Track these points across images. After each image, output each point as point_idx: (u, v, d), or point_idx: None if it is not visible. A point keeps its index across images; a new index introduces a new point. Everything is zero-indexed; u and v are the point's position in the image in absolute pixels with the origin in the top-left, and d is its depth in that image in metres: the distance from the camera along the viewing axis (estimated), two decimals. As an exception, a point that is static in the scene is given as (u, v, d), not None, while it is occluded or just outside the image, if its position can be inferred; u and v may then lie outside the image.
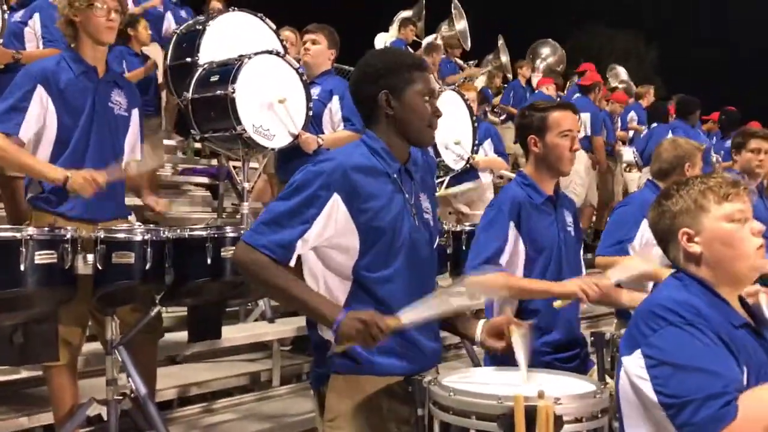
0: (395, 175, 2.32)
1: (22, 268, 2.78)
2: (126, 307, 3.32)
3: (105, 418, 3.33)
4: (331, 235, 2.21)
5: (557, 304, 2.89)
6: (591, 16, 33.61)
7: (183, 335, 3.88)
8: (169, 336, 4.40)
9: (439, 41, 9.89)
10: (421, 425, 2.17)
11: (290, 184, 2.25)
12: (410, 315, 2.15)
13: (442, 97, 6.10)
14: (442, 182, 6.32)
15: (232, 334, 4.48)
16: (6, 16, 4.89)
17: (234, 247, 2.51)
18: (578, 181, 7.83)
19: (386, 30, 11.11)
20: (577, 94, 8.80)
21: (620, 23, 34.14)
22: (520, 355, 2.25)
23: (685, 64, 31.00)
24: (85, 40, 3.43)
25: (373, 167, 2.28)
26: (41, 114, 3.31)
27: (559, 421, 1.93)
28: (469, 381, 2.20)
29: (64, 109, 3.34)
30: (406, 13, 11.04)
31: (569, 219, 3.23)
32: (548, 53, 12.44)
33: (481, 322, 2.44)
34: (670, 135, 8.32)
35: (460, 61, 11.32)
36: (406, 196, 2.33)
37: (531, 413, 1.91)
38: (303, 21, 5.69)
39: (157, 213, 4.17)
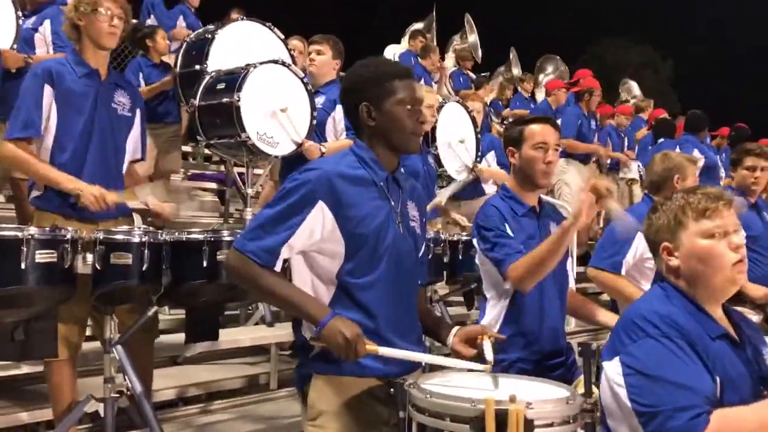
0: (382, 184, 2.38)
1: (23, 266, 2.86)
2: (124, 307, 3.40)
3: (102, 415, 3.42)
4: (317, 240, 2.28)
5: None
6: (606, 29, 33.59)
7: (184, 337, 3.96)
8: (170, 337, 4.51)
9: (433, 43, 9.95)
10: (402, 427, 2.22)
11: (278, 192, 2.34)
12: (389, 351, 2.25)
13: (446, 108, 6.19)
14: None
15: (231, 336, 4.57)
16: (20, 22, 5.03)
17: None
18: (567, 192, 7.87)
19: (398, 41, 11.23)
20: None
21: (636, 37, 34.14)
22: (489, 355, 2.33)
23: (701, 78, 30.96)
24: (87, 43, 3.54)
25: (359, 176, 2.35)
26: (48, 110, 3.43)
27: (529, 425, 1.98)
28: (447, 384, 2.25)
29: (66, 109, 3.44)
30: (418, 25, 11.15)
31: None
32: (551, 70, 12.53)
33: (455, 329, 2.51)
34: (677, 150, 8.41)
35: (472, 74, 11.40)
36: (392, 204, 2.39)
37: (502, 416, 1.96)
38: (314, 31, 5.78)
39: (164, 219, 4.25)
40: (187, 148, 8.53)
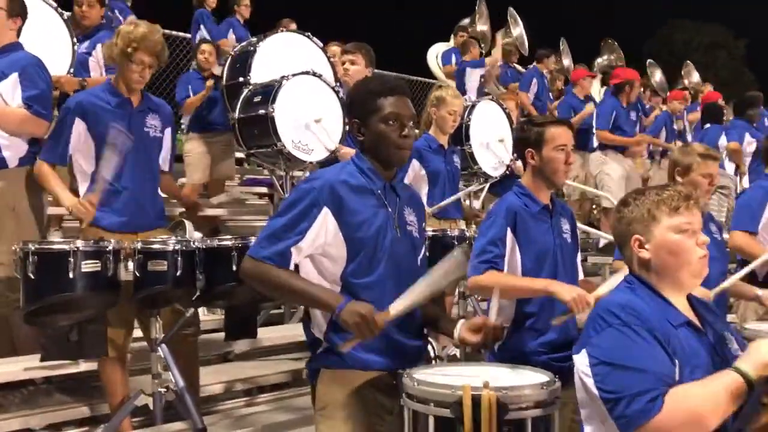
0: (379, 192, 2.59)
1: (71, 275, 3.23)
2: (167, 309, 3.73)
3: (151, 408, 3.76)
4: (322, 244, 2.50)
5: (555, 321, 3.01)
6: (675, 10, 32.81)
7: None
8: (220, 336, 4.84)
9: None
10: (402, 414, 2.43)
11: (285, 201, 2.58)
12: (398, 306, 2.40)
13: (480, 106, 6.35)
14: (481, 189, 6.57)
15: (272, 333, 4.88)
16: (76, 47, 5.44)
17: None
18: (610, 183, 7.89)
19: (448, 39, 11.33)
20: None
21: (706, 16, 33.23)
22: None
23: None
24: (120, 77, 3.93)
25: (359, 184, 2.56)
26: (79, 140, 3.86)
27: (504, 408, 2.17)
28: (437, 374, 2.43)
29: (100, 137, 3.81)
30: (464, 21, 11.21)
31: (566, 226, 3.37)
32: (604, 57, 12.40)
33: (461, 321, 2.70)
34: (723, 136, 8.31)
35: (519, 67, 11.42)
36: (389, 210, 2.60)
37: (478, 401, 2.16)
38: (361, 35, 6.00)
39: (213, 219, 4.56)
40: (241, 154, 8.90)
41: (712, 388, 1.96)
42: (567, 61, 12.75)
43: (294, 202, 2.50)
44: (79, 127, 3.83)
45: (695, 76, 14.26)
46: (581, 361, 2.14)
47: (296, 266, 2.54)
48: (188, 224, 4.51)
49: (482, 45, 10.74)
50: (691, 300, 2.29)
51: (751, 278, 4.57)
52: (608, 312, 2.14)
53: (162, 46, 3.93)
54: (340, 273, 2.53)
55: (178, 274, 3.42)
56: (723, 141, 8.24)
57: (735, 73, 32.67)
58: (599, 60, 12.98)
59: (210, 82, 6.98)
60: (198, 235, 4.11)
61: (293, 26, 8.44)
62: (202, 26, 8.82)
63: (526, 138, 3.26)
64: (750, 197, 4.77)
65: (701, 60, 30.82)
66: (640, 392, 1.98)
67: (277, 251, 2.45)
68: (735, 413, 1.95)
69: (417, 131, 3.53)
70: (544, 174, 3.22)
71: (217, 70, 7.52)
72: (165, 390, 3.71)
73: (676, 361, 2.06)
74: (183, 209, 5.05)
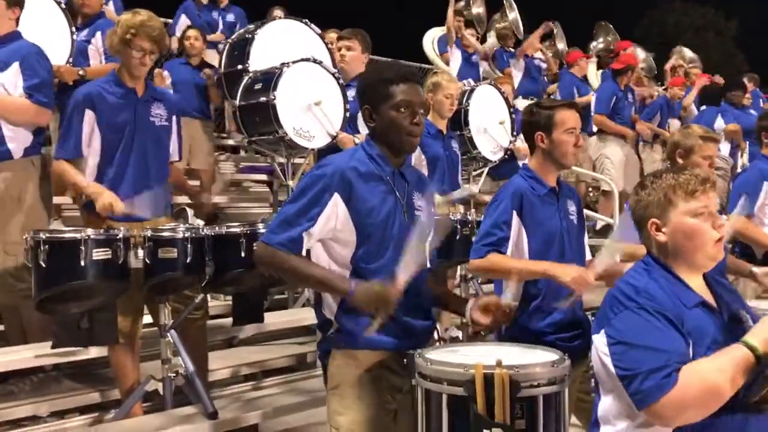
0: (388, 178, 2.64)
1: (82, 263, 3.28)
2: (175, 295, 3.78)
3: (161, 393, 3.82)
4: (332, 229, 2.55)
5: (560, 304, 3.05)
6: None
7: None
8: (226, 322, 4.91)
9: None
10: (414, 393, 2.50)
11: (297, 188, 2.62)
12: (404, 270, 2.45)
13: (479, 91, 6.39)
14: (480, 173, 6.63)
15: (278, 318, 4.93)
16: (75, 37, 5.44)
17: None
18: (609, 167, 7.96)
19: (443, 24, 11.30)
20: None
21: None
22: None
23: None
24: (123, 66, 3.96)
25: (368, 171, 2.61)
26: (89, 132, 3.89)
27: (516, 386, 2.23)
28: (449, 353, 2.49)
29: (108, 129, 3.87)
30: (460, 4, 11.16)
31: (572, 208, 3.41)
32: (600, 40, 12.41)
33: (471, 300, 2.76)
34: (719, 118, 8.38)
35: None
36: (398, 195, 2.65)
37: (490, 379, 2.22)
38: (357, 21, 6.00)
39: (207, 208, 4.61)
40: (232, 142, 8.92)
41: (722, 361, 2.03)
42: (561, 45, 12.74)
43: (305, 188, 2.55)
44: (89, 117, 3.86)
45: (689, 54, 14.25)
46: (600, 341, 2.22)
47: (308, 251, 2.59)
48: (189, 212, 4.57)
49: (478, 29, 10.73)
50: (708, 279, 2.35)
51: (749, 256, 4.67)
52: (624, 295, 2.21)
53: (161, 32, 3.97)
54: (350, 257, 2.59)
55: (188, 261, 3.47)
56: (719, 123, 8.31)
57: (726, 54, 32.75)
58: (594, 43, 12.98)
59: (209, 72, 6.97)
60: (200, 222, 4.17)
61: (279, 13, 8.45)
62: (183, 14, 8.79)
63: (536, 121, 3.28)
64: (746, 179, 4.83)
65: (692, 41, 30.95)
66: (655, 369, 2.05)
67: (289, 237, 2.50)
68: (744, 386, 2.02)
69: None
70: (553, 157, 3.25)
71: (207, 57, 7.55)
72: (174, 375, 3.77)
73: (690, 341, 2.13)
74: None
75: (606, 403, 2.25)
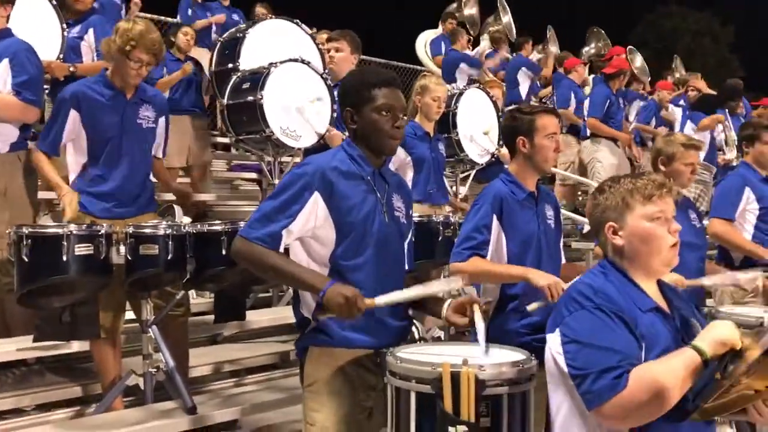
0: (369, 178, 2.68)
1: (65, 258, 3.32)
2: (157, 291, 3.82)
3: (142, 388, 3.86)
4: (312, 227, 2.59)
5: (531, 307, 3.14)
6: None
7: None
8: (208, 318, 4.94)
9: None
10: (386, 391, 2.55)
11: (278, 185, 2.65)
12: (384, 298, 2.51)
13: (467, 94, 6.44)
14: (467, 176, 6.67)
15: (261, 316, 4.97)
16: (66, 33, 5.48)
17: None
18: (601, 171, 8.02)
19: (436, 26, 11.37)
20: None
21: (693, 3, 33.38)
22: (480, 326, 2.57)
23: (763, 44, 30.09)
24: (116, 70, 3.96)
25: (349, 170, 2.65)
26: (73, 130, 3.91)
27: (481, 384, 2.28)
28: (418, 352, 2.52)
29: (95, 130, 3.90)
30: (452, 7, 11.23)
31: (550, 213, 3.48)
32: (592, 45, 12.50)
33: (448, 301, 2.79)
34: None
35: (508, 55, 11.48)
36: (378, 196, 2.69)
37: (457, 377, 2.27)
38: (347, 22, 6.02)
39: (202, 204, 4.64)
40: (225, 140, 8.93)
41: (671, 364, 2.06)
42: (554, 49, 12.82)
43: (286, 186, 2.59)
44: (73, 117, 3.89)
45: (682, 70, 14.36)
46: (554, 340, 2.24)
47: (286, 249, 2.62)
48: (177, 209, 4.59)
49: (470, 31, 10.80)
50: (661, 285, 2.39)
51: (728, 263, 4.72)
52: (582, 295, 2.24)
53: (160, 44, 3.98)
54: (328, 255, 2.63)
55: (169, 257, 3.51)
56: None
57: (721, 60, 32.89)
58: (586, 48, 13.06)
59: (188, 65, 7.01)
60: (187, 219, 4.20)
61: (262, 10, 8.49)
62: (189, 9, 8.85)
63: (518, 126, 3.35)
64: (729, 185, 4.88)
65: (689, 47, 31.04)
66: (607, 369, 2.08)
67: (268, 232, 2.54)
68: (692, 390, 2.05)
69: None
70: (534, 161, 3.32)
71: (196, 54, 7.59)
72: (155, 370, 3.81)
73: (642, 344, 2.16)
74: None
75: (557, 404, 2.28)
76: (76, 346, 4.12)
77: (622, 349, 2.12)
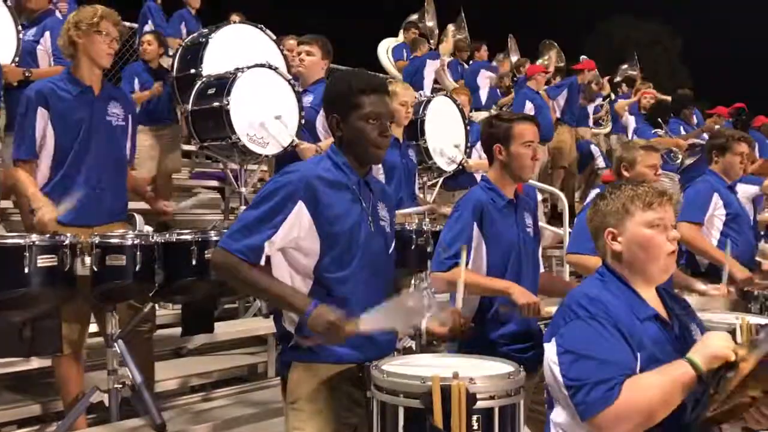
0: (354, 187, 2.59)
1: (26, 270, 3.15)
2: (123, 304, 3.67)
3: (107, 405, 3.70)
4: (295, 238, 2.48)
5: (502, 308, 3.14)
6: (614, 6, 33.60)
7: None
8: (173, 331, 4.79)
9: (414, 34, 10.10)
10: (370, 406, 2.45)
11: (260, 193, 2.53)
12: (368, 322, 2.41)
13: (434, 102, 6.41)
14: (435, 184, 6.64)
15: (229, 328, 4.84)
16: (21, 36, 5.28)
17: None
18: None
19: (396, 35, 11.38)
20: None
21: (644, 13, 34.10)
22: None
23: (711, 55, 30.88)
24: (84, 61, 3.77)
25: (334, 179, 2.55)
26: (42, 129, 3.72)
27: (472, 397, 2.21)
28: (405, 365, 2.46)
29: (63, 128, 3.71)
30: (413, 17, 11.26)
31: (528, 220, 3.44)
32: (545, 57, 12.68)
33: (428, 313, 2.73)
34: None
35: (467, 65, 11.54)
36: (364, 205, 2.59)
37: (447, 391, 2.20)
38: (312, 28, 5.94)
39: (168, 216, 4.52)
40: (191, 147, 8.76)
41: (664, 378, 2.05)
42: (515, 58, 12.95)
43: (269, 194, 2.48)
44: (42, 114, 3.70)
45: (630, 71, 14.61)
46: (550, 349, 2.22)
47: (268, 258, 2.50)
48: (138, 218, 4.44)
49: (430, 41, 10.83)
50: (660, 292, 2.37)
51: (693, 269, 4.76)
52: (578, 304, 2.22)
53: (120, 22, 3.85)
54: (312, 267, 2.52)
55: (137, 268, 3.37)
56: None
57: (670, 71, 33.62)
58: (540, 61, 13.18)
59: (157, 85, 6.82)
60: (149, 228, 4.05)
61: (236, 18, 8.36)
62: (150, 20, 8.64)
63: (495, 133, 3.31)
64: (697, 191, 4.93)
65: (640, 56, 31.63)
66: (601, 381, 2.06)
67: (249, 245, 2.43)
68: (692, 405, 2.04)
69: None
70: (511, 169, 3.28)
71: (164, 62, 7.41)
72: (121, 386, 3.67)
73: (638, 354, 2.14)
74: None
75: (558, 413, 2.25)
76: (36, 362, 3.97)
77: (616, 360, 2.10)
